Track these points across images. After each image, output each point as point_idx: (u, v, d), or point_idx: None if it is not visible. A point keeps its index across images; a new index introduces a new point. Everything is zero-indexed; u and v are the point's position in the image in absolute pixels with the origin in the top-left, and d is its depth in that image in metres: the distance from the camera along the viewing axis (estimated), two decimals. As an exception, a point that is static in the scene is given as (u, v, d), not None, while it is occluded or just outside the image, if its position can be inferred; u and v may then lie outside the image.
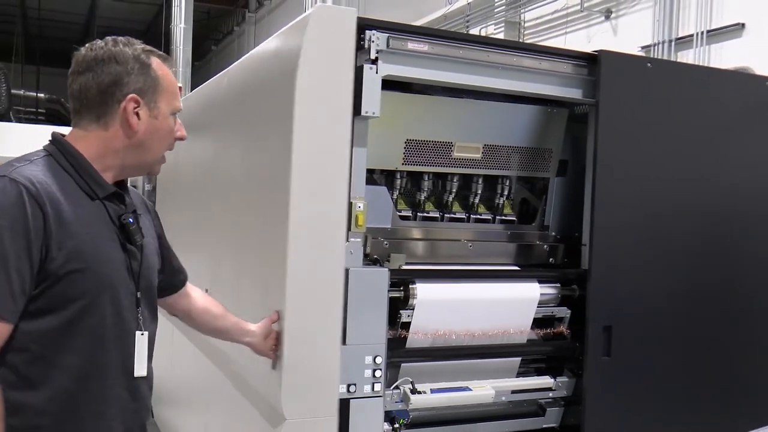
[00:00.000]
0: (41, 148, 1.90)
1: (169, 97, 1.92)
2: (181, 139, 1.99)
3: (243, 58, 3.53)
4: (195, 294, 2.44)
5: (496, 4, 10.27)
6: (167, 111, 1.92)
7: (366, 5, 11.68)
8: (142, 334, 1.90)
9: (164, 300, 2.29)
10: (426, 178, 3.27)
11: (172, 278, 2.29)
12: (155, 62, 1.91)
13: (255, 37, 19.61)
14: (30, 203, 1.68)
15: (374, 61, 2.79)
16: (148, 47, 1.94)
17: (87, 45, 1.91)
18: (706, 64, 6.88)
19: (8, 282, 1.64)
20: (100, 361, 1.81)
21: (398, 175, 3.23)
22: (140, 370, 1.89)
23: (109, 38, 1.91)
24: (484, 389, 3.10)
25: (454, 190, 3.33)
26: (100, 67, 1.84)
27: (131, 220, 1.89)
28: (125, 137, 1.87)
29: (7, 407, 1.69)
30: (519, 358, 3.29)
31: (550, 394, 3.32)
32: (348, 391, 2.75)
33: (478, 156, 3.28)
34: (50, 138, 1.91)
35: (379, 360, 2.80)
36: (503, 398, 3.20)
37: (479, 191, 3.37)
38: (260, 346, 2.53)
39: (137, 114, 1.86)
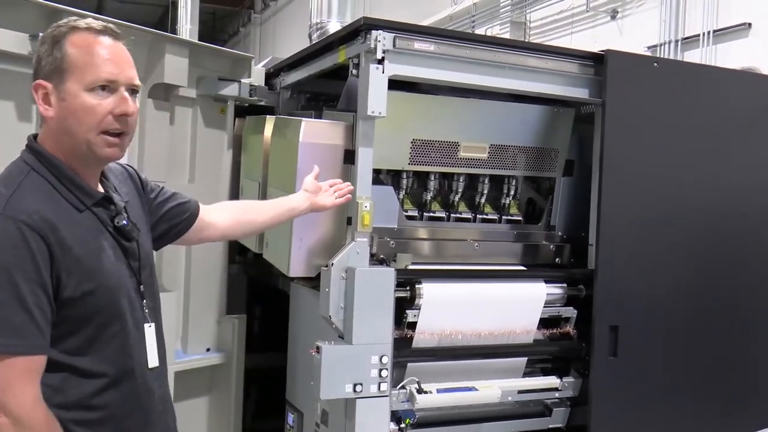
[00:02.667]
0: (21, 158, 1.79)
1: (79, 72, 1.72)
2: (123, 114, 1.75)
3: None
4: (218, 214, 2.34)
5: (501, 5, 10.27)
6: (77, 89, 1.71)
7: (372, 6, 11.69)
8: (150, 326, 1.91)
9: (193, 236, 2.25)
10: (432, 178, 3.27)
11: (182, 216, 2.20)
12: (74, 38, 1.73)
13: (260, 38, 19.65)
14: (32, 237, 1.62)
15: (380, 61, 2.79)
16: (84, 22, 1.77)
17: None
18: (712, 64, 6.86)
19: (32, 320, 1.62)
20: (127, 365, 1.82)
21: (404, 175, 3.23)
22: (152, 361, 1.90)
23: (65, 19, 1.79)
24: (490, 389, 3.10)
25: (460, 190, 3.32)
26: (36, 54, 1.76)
27: (126, 223, 1.85)
28: (51, 126, 1.76)
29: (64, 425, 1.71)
30: (525, 358, 3.29)
31: (557, 395, 3.31)
32: (354, 390, 2.75)
33: (485, 156, 3.28)
34: (27, 143, 1.80)
35: (385, 360, 2.80)
36: (509, 398, 3.19)
37: (485, 191, 3.37)
38: (318, 202, 2.59)
39: (48, 100, 1.73)
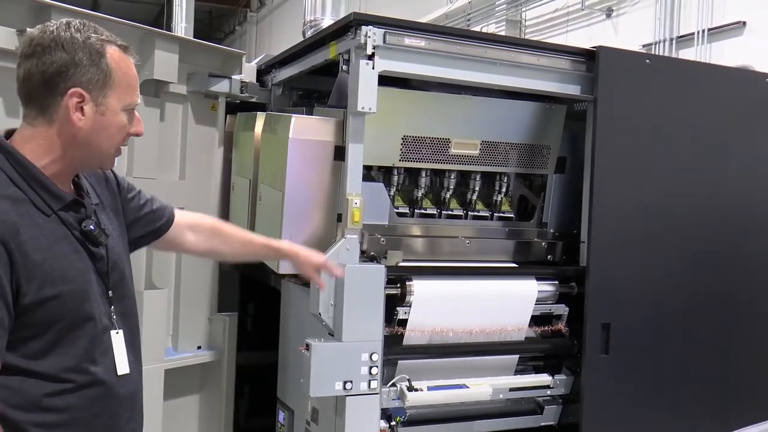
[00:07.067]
0: None
1: (121, 91, 1.77)
2: (137, 134, 1.85)
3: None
4: (196, 237, 2.28)
5: (496, 3, 10.25)
6: (118, 106, 1.77)
7: (367, 4, 11.66)
8: (117, 333, 1.86)
9: (162, 245, 2.23)
10: (423, 175, 3.26)
11: (158, 222, 2.17)
12: (111, 53, 1.75)
13: (257, 36, 19.62)
14: None
15: (371, 57, 2.77)
16: (107, 35, 1.77)
17: (40, 26, 1.75)
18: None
19: None
20: (92, 371, 1.78)
21: (395, 172, 3.21)
22: (121, 367, 1.86)
23: (63, 20, 1.75)
24: (481, 387, 3.09)
25: (451, 187, 3.31)
26: (46, 54, 1.69)
27: (93, 228, 1.80)
28: (69, 134, 1.73)
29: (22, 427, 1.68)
30: (517, 356, 3.28)
31: (548, 392, 3.30)
32: (344, 388, 2.74)
33: (476, 152, 3.27)
34: None
35: (375, 357, 2.79)
36: (501, 396, 3.19)
37: (477, 188, 3.35)
38: (301, 263, 2.39)
39: (81, 109, 1.72)
